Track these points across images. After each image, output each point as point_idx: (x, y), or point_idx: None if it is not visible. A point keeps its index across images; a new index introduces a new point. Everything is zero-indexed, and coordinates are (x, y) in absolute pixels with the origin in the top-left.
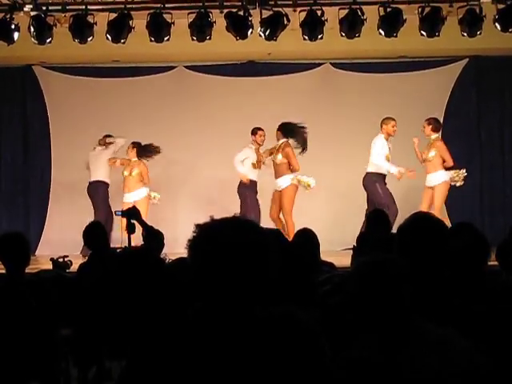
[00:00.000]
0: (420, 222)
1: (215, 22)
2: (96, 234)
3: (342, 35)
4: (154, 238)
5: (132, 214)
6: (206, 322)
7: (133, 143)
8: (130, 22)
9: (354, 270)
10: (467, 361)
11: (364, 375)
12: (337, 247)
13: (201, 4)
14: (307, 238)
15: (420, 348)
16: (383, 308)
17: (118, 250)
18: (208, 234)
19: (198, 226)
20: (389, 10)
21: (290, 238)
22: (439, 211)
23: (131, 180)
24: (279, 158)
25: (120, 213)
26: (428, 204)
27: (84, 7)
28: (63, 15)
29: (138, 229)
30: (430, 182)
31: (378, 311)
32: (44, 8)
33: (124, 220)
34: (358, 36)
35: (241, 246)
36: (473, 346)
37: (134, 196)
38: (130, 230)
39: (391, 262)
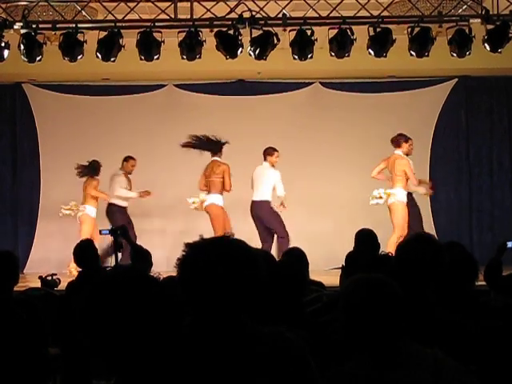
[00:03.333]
0: (420, 241)
1: (205, 40)
2: (86, 253)
3: (331, 55)
4: (142, 256)
5: (120, 232)
6: (196, 339)
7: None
8: (120, 41)
9: (344, 290)
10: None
11: None
12: (325, 266)
13: (191, 23)
14: (296, 256)
15: (413, 363)
16: (375, 327)
17: (108, 269)
18: (197, 254)
19: (187, 244)
20: (378, 30)
21: None
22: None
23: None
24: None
25: (107, 231)
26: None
27: (74, 25)
28: (53, 33)
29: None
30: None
31: (370, 330)
32: (34, 26)
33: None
34: (348, 56)
35: (230, 265)
36: (460, 365)
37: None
38: (117, 248)
39: (381, 282)
